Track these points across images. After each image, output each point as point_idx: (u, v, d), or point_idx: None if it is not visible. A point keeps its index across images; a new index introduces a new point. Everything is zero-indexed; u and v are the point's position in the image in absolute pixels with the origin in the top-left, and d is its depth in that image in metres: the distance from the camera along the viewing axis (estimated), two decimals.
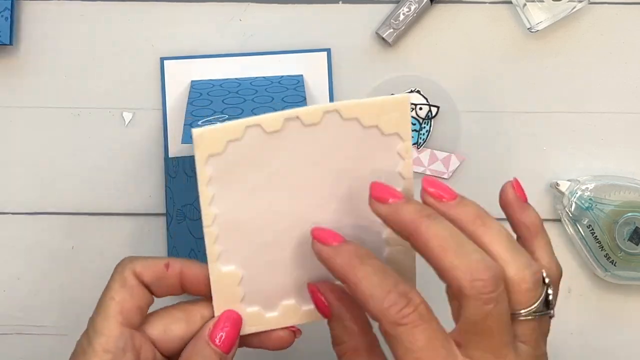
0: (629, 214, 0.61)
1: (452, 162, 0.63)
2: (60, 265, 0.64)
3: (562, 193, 0.62)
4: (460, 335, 0.41)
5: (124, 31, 0.65)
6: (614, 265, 0.61)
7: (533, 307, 0.42)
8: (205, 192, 0.43)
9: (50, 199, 0.64)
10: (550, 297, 0.43)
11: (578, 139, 0.64)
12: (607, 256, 0.61)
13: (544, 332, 0.43)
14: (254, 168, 0.44)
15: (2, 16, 0.63)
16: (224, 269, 0.45)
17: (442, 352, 0.40)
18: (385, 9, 0.64)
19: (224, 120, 0.58)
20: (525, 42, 0.64)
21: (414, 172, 0.46)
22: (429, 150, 0.63)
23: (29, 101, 0.64)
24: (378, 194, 0.42)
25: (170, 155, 0.63)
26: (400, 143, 0.44)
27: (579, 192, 0.61)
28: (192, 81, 0.63)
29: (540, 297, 0.42)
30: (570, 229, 0.62)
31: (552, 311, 0.43)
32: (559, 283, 0.45)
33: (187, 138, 0.55)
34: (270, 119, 0.43)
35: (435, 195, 0.43)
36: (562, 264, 0.61)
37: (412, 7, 0.63)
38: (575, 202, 0.61)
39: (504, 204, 0.46)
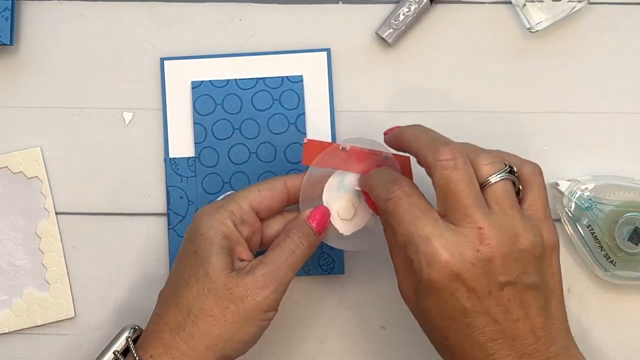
0: (629, 214, 0.61)
1: None
2: None
3: (562, 193, 0.62)
4: (439, 206, 0.51)
5: (124, 31, 0.65)
6: (614, 265, 0.61)
7: (499, 172, 0.51)
8: None
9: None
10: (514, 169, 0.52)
11: (578, 139, 0.64)
12: (606, 256, 0.61)
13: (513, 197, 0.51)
14: None
15: (2, 16, 0.63)
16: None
17: (421, 216, 0.49)
18: (385, 9, 0.64)
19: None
20: (525, 42, 0.64)
21: None
22: None
23: (29, 101, 0.64)
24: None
25: (171, 155, 0.63)
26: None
27: (579, 192, 0.61)
28: (192, 82, 0.63)
29: (504, 167, 0.52)
30: (570, 229, 0.62)
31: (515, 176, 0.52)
32: None
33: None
34: None
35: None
36: (562, 264, 0.61)
37: (412, 7, 0.63)
38: (575, 202, 0.61)
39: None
